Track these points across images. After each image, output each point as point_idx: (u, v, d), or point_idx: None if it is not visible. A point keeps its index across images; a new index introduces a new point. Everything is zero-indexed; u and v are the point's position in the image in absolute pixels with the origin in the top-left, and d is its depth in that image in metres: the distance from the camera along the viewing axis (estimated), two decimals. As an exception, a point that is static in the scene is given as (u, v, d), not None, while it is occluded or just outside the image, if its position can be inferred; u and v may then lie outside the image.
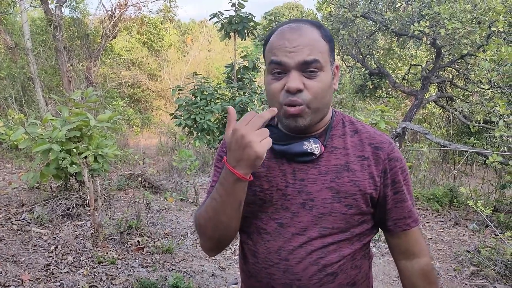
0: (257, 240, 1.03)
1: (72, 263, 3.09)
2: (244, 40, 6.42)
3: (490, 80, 4.46)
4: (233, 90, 6.16)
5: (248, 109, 5.98)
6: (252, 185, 1.03)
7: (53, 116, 4.28)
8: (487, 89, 4.68)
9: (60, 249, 3.28)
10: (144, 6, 18.45)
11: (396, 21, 7.33)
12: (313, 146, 0.99)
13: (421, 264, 1.06)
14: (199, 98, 6.19)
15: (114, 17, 13.30)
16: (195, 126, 6.04)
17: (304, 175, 1.00)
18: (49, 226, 3.72)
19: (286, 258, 0.99)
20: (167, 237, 3.87)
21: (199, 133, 6.10)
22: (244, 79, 6.40)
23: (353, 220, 0.99)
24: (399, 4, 7.20)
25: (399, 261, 1.09)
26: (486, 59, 4.28)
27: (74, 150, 3.85)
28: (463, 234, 4.65)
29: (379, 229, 1.12)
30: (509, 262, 3.40)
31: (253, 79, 6.60)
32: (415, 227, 1.06)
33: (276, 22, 6.06)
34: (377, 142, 1.02)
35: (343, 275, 1.01)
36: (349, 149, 1.01)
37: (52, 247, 3.28)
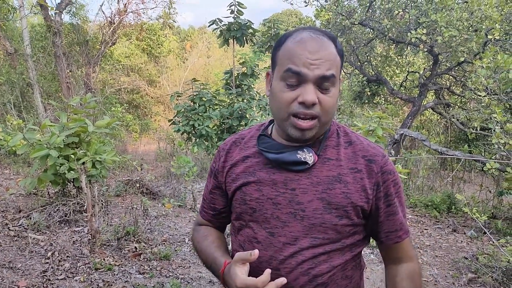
0: (248, 249, 1.04)
1: (69, 269, 3.07)
2: (243, 46, 6.45)
3: (486, 87, 4.49)
4: (232, 97, 6.18)
5: (247, 115, 6.00)
6: (243, 194, 1.04)
7: (51, 122, 4.28)
8: (484, 96, 4.71)
9: (57, 255, 3.27)
10: (144, 12, 18.52)
11: (394, 29, 7.38)
12: (307, 155, 0.99)
13: (407, 269, 1.08)
14: (197, 104, 6.20)
15: (114, 23, 13.36)
16: (193, 132, 6.04)
17: (295, 185, 1.00)
18: (46, 232, 3.71)
19: (277, 267, 0.99)
20: (164, 243, 3.86)
21: (198, 139, 6.10)
22: (243, 86, 6.42)
23: (344, 231, 1.00)
24: (396, 12, 7.25)
25: (388, 265, 1.12)
26: (483, 67, 4.31)
27: (72, 156, 3.85)
28: (461, 241, 4.65)
29: (371, 238, 1.13)
30: (506, 269, 3.40)
31: (252, 86, 6.62)
32: (406, 238, 1.07)
33: (275, 29, 6.09)
34: (370, 155, 1.02)
35: (333, 285, 1.02)
36: (342, 161, 1.01)
37: (49, 254, 3.27)
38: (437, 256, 4.22)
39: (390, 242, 1.06)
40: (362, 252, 1.12)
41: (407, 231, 1.07)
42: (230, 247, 1.19)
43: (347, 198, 0.98)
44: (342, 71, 1.02)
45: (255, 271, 1.01)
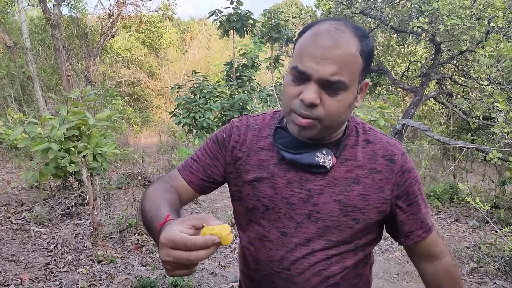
0: (259, 247, 1.01)
1: (71, 262, 3.08)
2: (243, 38, 6.40)
3: (489, 76, 4.45)
4: (232, 88, 6.15)
5: (248, 107, 5.97)
6: (256, 190, 0.99)
7: (52, 115, 4.27)
8: (487, 85, 4.67)
9: (60, 248, 3.28)
10: (143, 4, 18.44)
11: (395, 18, 7.31)
12: (326, 159, 0.93)
13: (444, 265, 1.04)
14: (198, 96, 6.18)
15: (113, 15, 13.27)
16: (194, 124, 6.03)
17: (311, 185, 0.95)
18: (48, 225, 3.72)
19: (288, 268, 0.97)
20: (166, 235, 3.86)
21: (199, 131, 6.09)
22: (243, 77, 6.39)
23: (360, 232, 0.97)
24: (398, 1, 7.18)
25: (419, 264, 1.06)
26: (485, 55, 4.27)
27: (73, 149, 3.84)
28: (463, 231, 4.65)
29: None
30: (508, 259, 3.40)
31: (252, 77, 6.59)
32: (427, 236, 1.01)
33: (275, 20, 6.03)
34: (390, 154, 0.97)
35: (345, 284, 1.00)
36: (361, 161, 0.96)
37: (52, 246, 3.28)
38: (439, 246, 4.22)
39: (410, 242, 1.01)
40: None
41: (429, 229, 1.01)
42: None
43: (365, 200, 0.94)
44: (364, 74, 0.91)
45: (265, 269, 1.00)
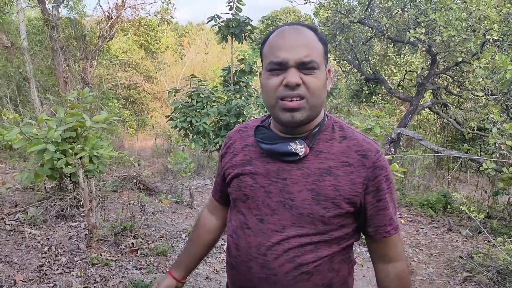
0: (240, 234, 1.09)
1: (65, 264, 3.07)
2: (241, 43, 6.43)
3: (484, 87, 4.51)
4: (230, 93, 6.17)
5: (244, 112, 5.99)
6: (240, 182, 1.10)
7: (48, 116, 4.25)
8: (481, 96, 4.73)
9: (54, 250, 3.26)
10: (142, 8, 18.46)
11: (392, 28, 7.38)
12: (298, 147, 1.02)
13: (397, 269, 1.09)
14: (195, 100, 6.18)
15: (111, 18, 13.28)
16: (191, 128, 6.02)
17: (287, 175, 1.04)
18: (42, 227, 3.70)
19: (264, 253, 1.03)
20: (161, 239, 3.86)
21: (195, 136, 6.08)
22: (241, 83, 6.41)
23: (332, 223, 1.02)
24: (395, 11, 7.26)
25: (376, 264, 1.12)
26: (481, 67, 4.33)
27: (69, 150, 3.83)
28: (457, 240, 4.68)
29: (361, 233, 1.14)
30: (501, 269, 3.43)
31: (250, 83, 6.61)
32: (395, 234, 1.08)
33: (273, 27, 6.07)
34: (364, 150, 1.04)
35: (318, 276, 1.04)
36: (334, 154, 1.04)
37: (46, 248, 3.26)
38: (432, 255, 4.24)
39: (378, 237, 1.07)
40: (359, 250, 1.15)
41: (396, 228, 1.08)
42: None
43: (336, 190, 1.01)
44: (328, 59, 1.09)
45: (245, 255, 1.07)
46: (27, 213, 3.87)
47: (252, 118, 5.50)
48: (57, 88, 10.86)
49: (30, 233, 3.52)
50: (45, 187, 4.41)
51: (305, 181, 1.02)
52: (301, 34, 1.00)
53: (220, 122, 6.17)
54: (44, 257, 3.12)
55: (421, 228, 5.17)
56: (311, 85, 0.98)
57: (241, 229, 1.09)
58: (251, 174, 1.08)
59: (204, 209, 1.39)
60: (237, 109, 5.90)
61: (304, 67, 0.97)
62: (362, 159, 1.02)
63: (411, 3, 7.14)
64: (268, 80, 1.01)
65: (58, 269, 2.97)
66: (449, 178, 6.32)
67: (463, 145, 5.65)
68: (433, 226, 5.23)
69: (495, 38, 5.44)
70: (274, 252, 1.02)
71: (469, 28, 6.03)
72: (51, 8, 10.41)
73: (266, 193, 1.05)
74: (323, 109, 1.09)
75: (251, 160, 1.10)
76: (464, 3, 6.28)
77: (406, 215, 5.71)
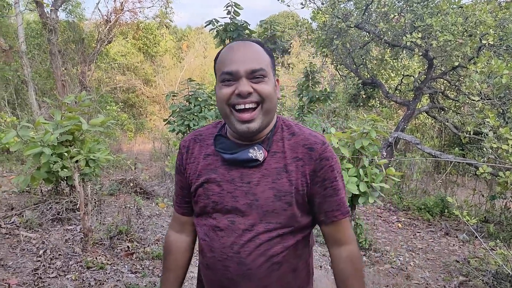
0: (213, 236, 1.16)
1: (60, 267, 3.06)
2: (239, 47, 6.46)
3: (480, 92, 4.53)
4: (227, 97, 6.20)
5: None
6: (206, 190, 1.16)
7: (45, 119, 4.25)
8: (478, 100, 4.75)
9: (49, 253, 3.25)
10: (140, 11, 18.50)
11: (389, 32, 7.42)
12: (257, 153, 1.11)
13: (348, 251, 1.17)
14: (193, 104, 6.20)
15: (110, 22, 13.31)
16: (188, 132, 6.04)
17: (250, 178, 1.13)
18: (38, 230, 3.69)
19: (238, 251, 1.11)
20: (157, 243, 3.85)
21: (192, 139, 6.11)
22: (238, 86, 6.44)
23: (294, 215, 1.12)
24: (392, 16, 7.30)
25: (330, 249, 1.20)
26: (477, 71, 4.35)
27: (66, 154, 3.83)
28: (453, 244, 4.69)
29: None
30: (497, 273, 3.43)
31: (247, 87, 6.63)
32: (343, 219, 1.16)
33: (271, 31, 6.09)
34: (310, 143, 1.13)
35: (286, 263, 1.14)
36: (287, 152, 1.14)
37: (41, 252, 3.25)
38: (429, 259, 4.24)
39: (328, 221, 1.16)
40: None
41: (345, 213, 1.17)
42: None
43: (292, 185, 1.10)
44: (274, 69, 1.17)
45: (220, 255, 1.14)
46: (23, 216, 3.87)
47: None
48: (55, 92, 10.86)
49: (25, 236, 3.51)
50: (41, 190, 4.40)
51: (266, 181, 1.11)
52: (249, 47, 1.10)
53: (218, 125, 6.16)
54: (39, 261, 3.12)
55: (418, 232, 5.17)
56: (263, 91, 1.07)
57: (213, 231, 1.15)
58: (216, 182, 1.15)
59: (169, 235, 1.36)
60: (235, 113, 5.91)
61: (254, 75, 1.06)
62: (310, 152, 1.12)
63: (408, 8, 7.18)
64: (221, 90, 1.09)
65: (53, 273, 2.96)
66: (440, 181, 6.34)
67: (454, 149, 5.67)
68: (430, 230, 5.23)
69: (491, 43, 5.47)
70: (246, 249, 1.11)
71: (465, 33, 6.07)
72: (49, 12, 10.43)
73: (233, 198, 1.12)
74: (275, 113, 1.18)
75: (215, 169, 1.16)
76: (460, 8, 6.32)
77: (403, 219, 5.71)
